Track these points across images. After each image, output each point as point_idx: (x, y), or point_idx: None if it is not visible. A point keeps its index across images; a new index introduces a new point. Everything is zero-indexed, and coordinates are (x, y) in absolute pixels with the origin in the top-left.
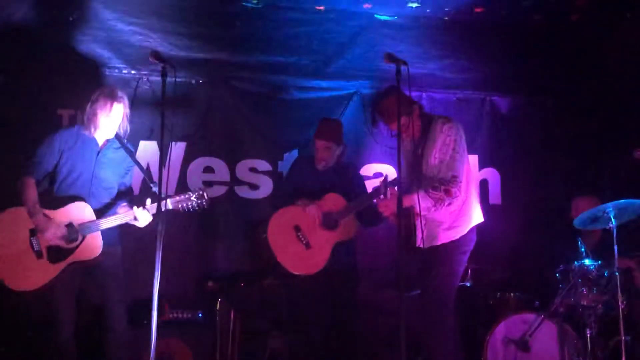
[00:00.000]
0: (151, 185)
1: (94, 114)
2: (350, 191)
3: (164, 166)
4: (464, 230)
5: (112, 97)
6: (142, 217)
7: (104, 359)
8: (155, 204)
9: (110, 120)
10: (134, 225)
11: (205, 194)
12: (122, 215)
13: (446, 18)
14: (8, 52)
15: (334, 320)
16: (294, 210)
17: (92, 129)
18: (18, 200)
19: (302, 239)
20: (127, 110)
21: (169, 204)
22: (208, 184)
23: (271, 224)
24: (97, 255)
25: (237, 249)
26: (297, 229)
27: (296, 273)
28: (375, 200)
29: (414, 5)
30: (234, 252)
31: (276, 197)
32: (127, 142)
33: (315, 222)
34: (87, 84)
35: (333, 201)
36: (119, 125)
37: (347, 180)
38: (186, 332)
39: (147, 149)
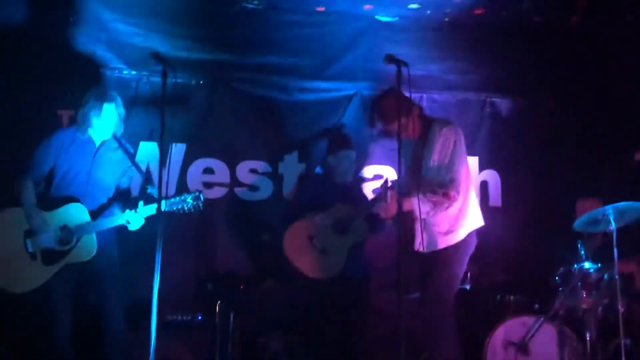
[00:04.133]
0: (147, 187)
1: (86, 115)
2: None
3: (164, 167)
4: (463, 234)
5: (103, 98)
6: (134, 220)
7: None
8: (149, 207)
9: (103, 120)
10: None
11: (201, 196)
12: (116, 217)
13: (447, 19)
14: (8, 52)
15: (339, 323)
16: (305, 222)
17: (86, 130)
18: (16, 202)
19: (317, 245)
20: (121, 110)
21: (164, 205)
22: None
23: (286, 238)
24: (92, 256)
25: (237, 250)
26: (311, 237)
27: (317, 278)
28: (375, 204)
29: (415, 6)
30: (233, 254)
31: (291, 208)
32: (125, 143)
33: (327, 228)
34: (87, 84)
35: (341, 208)
36: (114, 125)
37: (361, 194)
38: (186, 334)
39: (147, 150)
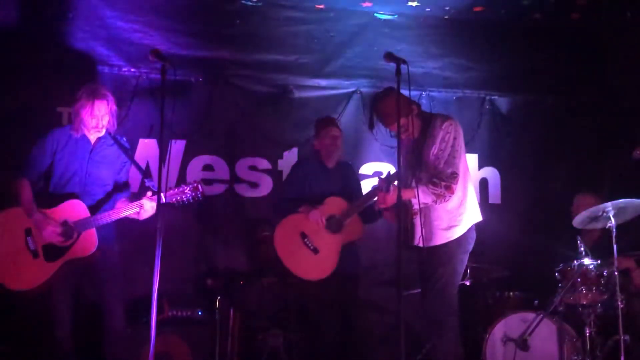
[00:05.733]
0: (145, 180)
1: (78, 113)
2: (356, 190)
3: (164, 164)
4: (462, 229)
5: (93, 95)
6: (149, 206)
7: (102, 357)
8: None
9: (95, 118)
10: (132, 223)
11: (199, 187)
12: (125, 209)
13: (446, 17)
14: (8, 49)
15: (337, 320)
16: (297, 217)
17: (79, 128)
18: (15, 201)
19: (309, 244)
20: (114, 107)
21: (163, 197)
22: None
23: (277, 234)
24: (93, 252)
25: (236, 247)
26: (303, 235)
27: (308, 279)
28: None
29: (414, 4)
30: (233, 250)
31: (281, 201)
32: (121, 139)
33: (320, 226)
34: (87, 81)
35: (334, 204)
36: (108, 122)
37: (354, 179)
38: (185, 330)
39: (147, 147)
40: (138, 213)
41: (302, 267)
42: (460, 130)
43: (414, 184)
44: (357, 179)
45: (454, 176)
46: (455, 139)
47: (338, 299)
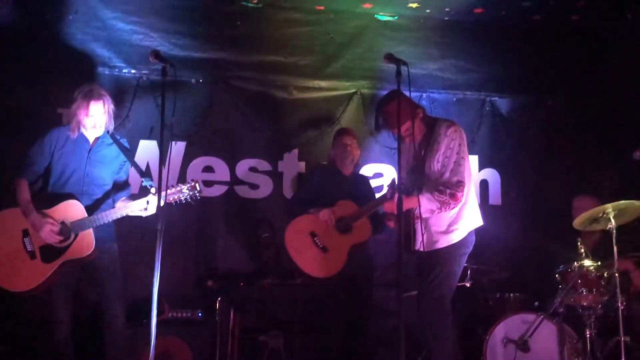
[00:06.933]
0: (142, 180)
1: (75, 114)
2: (369, 200)
3: (164, 165)
4: (463, 233)
5: (90, 96)
6: (152, 203)
7: (102, 358)
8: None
9: (92, 118)
10: (132, 224)
11: (197, 186)
12: (129, 207)
13: (446, 18)
14: (8, 50)
15: (341, 321)
16: (308, 217)
17: (77, 128)
18: (13, 202)
19: (319, 243)
20: (111, 106)
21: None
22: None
23: (287, 232)
24: (90, 252)
25: (237, 248)
26: (313, 234)
27: (316, 276)
28: (381, 203)
29: (414, 5)
30: (233, 252)
31: (295, 203)
32: (120, 138)
33: (329, 226)
34: (87, 83)
35: (345, 206)
36: (106, 122)
37: (368, 190)
38: (186, 331)
39: (147, 148)
40: (145, 209)
41: (311, 265)
42: (464, 135)
43: (415, 191)
44: (371, 190)
45: (459, 185)
46: (460, 145)
47: (344, 299)
